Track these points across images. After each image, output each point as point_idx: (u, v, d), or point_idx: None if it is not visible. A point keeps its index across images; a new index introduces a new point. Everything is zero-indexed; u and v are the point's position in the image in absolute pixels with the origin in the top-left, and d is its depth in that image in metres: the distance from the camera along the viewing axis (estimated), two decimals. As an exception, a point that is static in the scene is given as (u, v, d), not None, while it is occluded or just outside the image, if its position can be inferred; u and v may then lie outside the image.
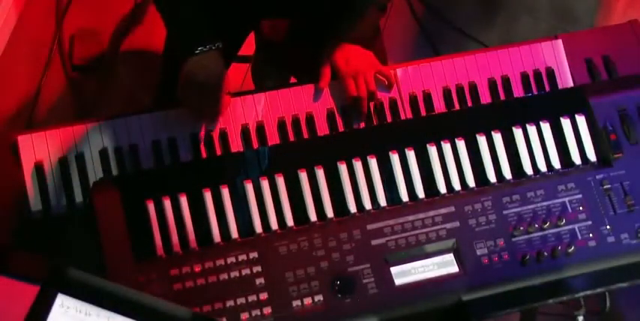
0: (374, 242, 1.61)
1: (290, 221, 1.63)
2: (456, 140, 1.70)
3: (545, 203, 1.66)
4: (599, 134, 1.72)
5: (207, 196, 1.63)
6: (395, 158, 1.68)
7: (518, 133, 1.72)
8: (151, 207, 1.61)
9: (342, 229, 1.62)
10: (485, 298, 1.60)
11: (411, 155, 1.69)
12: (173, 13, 1.74)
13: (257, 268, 1.57)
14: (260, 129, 1.81)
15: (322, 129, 1.83)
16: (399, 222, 1.63)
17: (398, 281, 1.59)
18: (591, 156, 1.72)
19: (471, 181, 1.69)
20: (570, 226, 1.65)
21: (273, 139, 1.81)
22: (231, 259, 1.58)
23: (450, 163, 1.69)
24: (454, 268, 1.61)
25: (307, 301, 1.56)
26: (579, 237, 1.65)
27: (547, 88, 1.88)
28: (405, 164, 1.69)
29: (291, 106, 1.83)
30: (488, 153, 1.71)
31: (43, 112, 2.59)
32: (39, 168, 1.73)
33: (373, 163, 1.68)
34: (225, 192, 1.63)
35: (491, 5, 3.12)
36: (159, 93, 2.15)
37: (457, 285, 1.60)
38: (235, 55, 2.13)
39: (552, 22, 3.07)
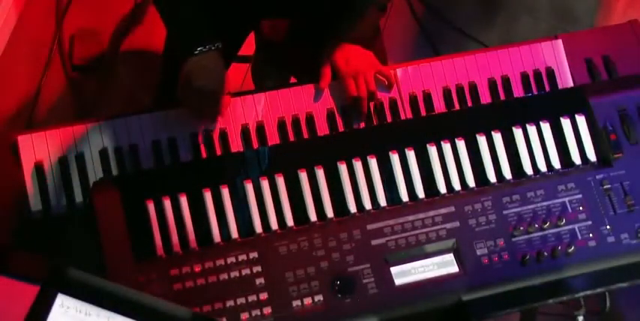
0: (374, 242, 1.61)
1: (290, 221, 1.63)
2: (456, 140, 1.70)
3: (545, 203, 1.66)
4: (599, 134, 1.72)
5: (207, 196, 1.63)
6: (395, 158, 1.68)
7: (518, 133, 1.72)
8: (151, 207, 1.61)
9: (342, 229, 1.61)
10: (485, 298, 1.60)
11: (411, 155, 1.69)
12: (173, 14, 1.74)
13: (257, 268, 1.57)
14: (260, 129, 1.81)
15: (322, 129, 1.83)
16: (399, 222, 1.63)
17: (398, 281, 1.59)
18: (591, 156, 1.72)
19: (471, 181, 1.69)
20: (570, 226, 1.65)
21: (273, 139, 1.81)
22: (231, 259, 1.58)
23: (450, 163, 1.69)
24: (454, 268, 1.61)
25: (307, 301, 1.56)
26: (579, 237, 1.65)
27: (547, 88, 1.88)
28: (405, 164, 1.69)
29: (291, 106, 1.83)
30: (488, 153, 1.71)
31: (43, 112, 2.59)
32: (39, 168, 1.73)
33: (373, 163, 1.68)
34: (225, 192, 1.63)
35: (491, 5, 3.12)
36: (159, 93, 2.15)
37: (457, 285, 1.60)
38: (235, 55, 2.13)
39: (552, 22, 3.07)
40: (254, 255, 1.58)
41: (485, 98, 1.87)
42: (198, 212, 1.62)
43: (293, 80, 2.23)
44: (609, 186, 1.68)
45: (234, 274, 1.57)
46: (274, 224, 1.63)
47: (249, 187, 1.64)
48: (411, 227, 1.63)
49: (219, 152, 1.78)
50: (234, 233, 1.62)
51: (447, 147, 1.70)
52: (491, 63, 1.89)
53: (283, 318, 1.55)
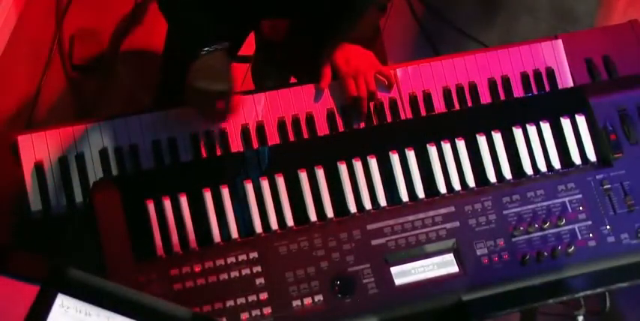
0: (374, 242, 1.61)
1: (290, 221, 1.63)
2: (456, 140, 1.70)
3: (545, 203, 1.66)
4: (599, 134, 1.72)
5: (207, 196, 1.63)
6: (395, 158, 1.68)
7: (518, 133, 1.72)
8: (151, 207, 1.61)
9: (342, 229, 1.62)
10: (485, 298, 1.60)
11: (411, 155, 1.69)
12: (177, 15, 1.74)
13: (257, 268, 1.57)
14: (260, 129, 1.81)
15: (322, 129, 1.83)
16: (399, 222, 1.63)
17: (398, 281, 1.59)
18: (591, 156, 1.72)
19: (471, 181, 1.69)
20: (570, 226, 1.65)
21: (273, 139, 1.81)
22: (231, 259, 1.58)
23: (450, 163, 1.69)
24: (454, 268, 1.61)
25: (307, 301, 1.56)
26: (579, 237, 1.65)
27: (547, 88, 1.88)
28: (405, 164, 1.69)
29: (291, 106, 1.83)
30: (488, 153, 1.71)
31: (43, 112, 2.58)
32: (39, 168, 1.73)
33: (373, 163, 1.68)
34: (225, 192, 1.63)
35: (491, 5, 3.12)
36: (159, 93, 2.15)
37: (457, 285, 1.60)
38: (235, 55, 2.13)
39: (552, 22, 3.07)
40: (254, 255, 1.58)
41: (485, 98, 1.87)
42: (198, 212, 1.62)
43: (293, 80, 2.23)
44: (609, 186, 1.68)
45: (234, 274, 1.57)
46: (274, 224, 1.63)
47: (249, 187, 1.64)
48: (411, 227, 1.63)
49: (219, 152, 1.78)
50: (234, 233, 1.62)
51: (447, 147, 1.70)
52: (491, 63, 1.89)
53: (283, 318, 1.55)
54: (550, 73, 1.89)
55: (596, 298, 1.75)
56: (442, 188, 1.68)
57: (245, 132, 1.80)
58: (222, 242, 1.61)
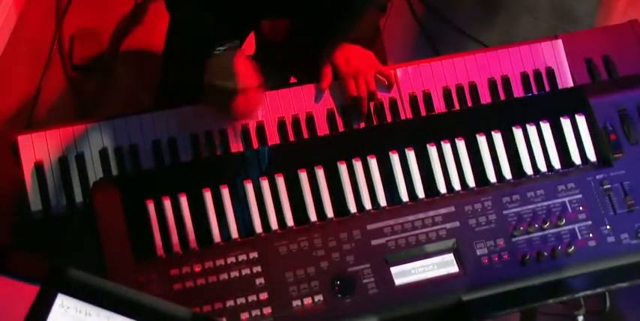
0: (374, 242, 1.61)
1: (290, 221, 1.63)
2: (456, 140, 1.70)
3: (545, 203, 1.66)
4: (599, 134, 1.72)
5: (207, 196, 1.63)
6: (395, 158, 1.68)
7: (518, 133, 1.72)
8: (151, 207, 1.61)
9: (342, 229, 1.61)
10: (485, 298, 1.60)
11: (411, 155, 1.69)
12: (185, 15, 1.74)
13: (257, 268, 1.57)
14: (260, 129, 1.81)
15: (322, 129, 1.83)
16: (399, 222, 1.63)
17: (398, 281, 1.59)
18: (591, 156, 1.72)
19: (471, 181, 1.69)
20: (570, 226, 1.65)
21: (273, 139, 1.81)
22: (231, 259, 1.58)
23: (450, 163, 1.69)
24: (454, 268, 1.61)
25: (307, 301, 1.56)
26: (579, 237, 1.65)
27: (547, 88, 1.88)
28: (405, 164, 1.69)
29: (291, 106, 1.83)
30: (488, 153, 1.71)
31: (43, 112, 2.58)
32: (39, 168, 1.73)
33: (373, 163, 1.68)
34: (225, 192, 1.63)
35: (491, 5, 3.11)
36: (159, 93, 2.15)
37: (457, 285, 1.60)
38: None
39: (552, 22, 3.07)
40: (254, 255, 1.58)
41: (485, 98, 1.87)
42: (198, 212, 1.62)
43: (293, 80, 2.22)
44: (609, 186, 1.68)
45: (234, 274, 1.57)
46: (274, 224, 1.63)
47: (249, 187, 1.64)
48: (411, 227, 1.63)
49: (219, 152, 1.78)
50: (234, 233, 1.62)
51: (447, 147, 1.70)
52: (491, 63, 1.89)
53: (283, 318, 1.55)
54: (550, 73, 1.89)
55: (596, 298, 1.75)
56: (442, 188, 1.68)
57: (245, 132, 1.80)
58: (222, 242, 1.61)
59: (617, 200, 1.67)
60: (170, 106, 1.81)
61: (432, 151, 1.69)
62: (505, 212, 1.65)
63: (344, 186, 1.66)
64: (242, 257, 1.58)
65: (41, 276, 1.19)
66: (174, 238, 1.60)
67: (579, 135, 1.72)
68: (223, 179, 1.64)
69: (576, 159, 1.72)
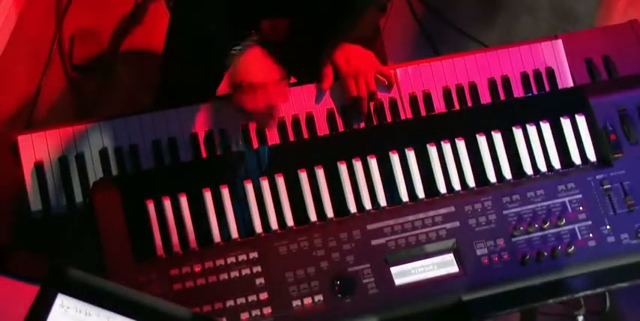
0: (374, 242, 1.61)
1: (290, 221, 1.63)
2: (456, 140, 1.70)
3: (545, 203, 1.66)
4: (599, 134, 1.72)
5: (207, 196, 1.63)
6: (395, 158, 1.68)
7: (518, 133, 1.72)
8: (151, 207, 1.61)
9: (342, 229, 1.61)
10: (485, 298, 1.60)
11: (411, 155, 1.69)
12: (187, 16, 1.75)
13: (257, 268, 1.57)
14: (260, 129, 1.81)
15: (322, 129, 1.83)
16: (399, 222, 1.63)
17: (398, 281, 1.59)
18: (591, 156, 1.72)
19: (471, 181, 1.69)
20: (570, 226, 1.65)
21: (273, 139, 1.81)
22: (231, 259, 1.58)
23: (450, 163, 1.69)
24: (454, 268, 1.61)
25: (307, 301, 1.56)
26: (579, 237, 1.65)
27: (547, 88, 1.88)
28: (405, 164, 1.69)
29: (291, 106, 1.83)
30: (488, 153, 1.71)
31: (43, 112, 2.58)
32: (39, 168, 1.73)
33: (373, 163, 1.68)
34: (225, 192, 1.63)
35: (491, 5, 3.11)
36: (159, 93, 2.15)
37: (457, 285, 1.60)
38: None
39: (552, 22, 3.07)
40: (254, 255, 1.58)
41: (485, 98, 1.87)
42: (198, 212, 1.62)
43: (293, 80, 2.22)
44: (609, 186, 1.68)
45: (234, 274, 1.57)
46: (274, 224, 1.63)
47: (249, 187, 1.64)
48: (411, 227, 1.63)
49: (219, 152, 1.78)
50: (234, 233, 1.62)
51: (447, 147, 1.70)
52: (491, 63, 1.89)
53: (283, 318, 1.55)
54: (550, 73, 1.89)
55: (596, 298, 1.75)
56: (442, 188, 1.68)
57: (245, 132, 1.80)
58: (222, 242, 1.61)
59: (617, 200, 1.67)
60: (170, 106, 1.81)
61: (432, 151, 1.69)
62: (505, 212, 1.65)
63: (344, 186, 1.66)
64: (242, 257, 1.58)
65: (41, 276, 1.19)
66: (174, 238, 1.60)
67: (579, 135, 1.72)
68: (223, 179, 1.64)
69: (576, 159, 1.72)
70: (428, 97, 1.86)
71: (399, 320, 1.58)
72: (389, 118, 1.84)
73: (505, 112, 1.77)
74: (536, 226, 1.64)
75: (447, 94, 1.86)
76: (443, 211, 1.64)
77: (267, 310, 1.55)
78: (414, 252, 1.62)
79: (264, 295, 1.56)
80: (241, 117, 1.79)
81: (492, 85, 1.88)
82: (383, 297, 1.58)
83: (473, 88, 1.87)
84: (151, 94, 2.27)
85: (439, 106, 1.86)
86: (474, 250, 1.62)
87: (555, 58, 1.91)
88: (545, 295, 1.62)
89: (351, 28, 1.87)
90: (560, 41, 1.92)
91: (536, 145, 1.72)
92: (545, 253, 1.62)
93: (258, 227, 1.62)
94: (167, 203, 1.61)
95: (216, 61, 1.91)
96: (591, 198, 1.67)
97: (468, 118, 1.77)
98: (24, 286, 1.17)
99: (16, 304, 1.16)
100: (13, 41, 2.58)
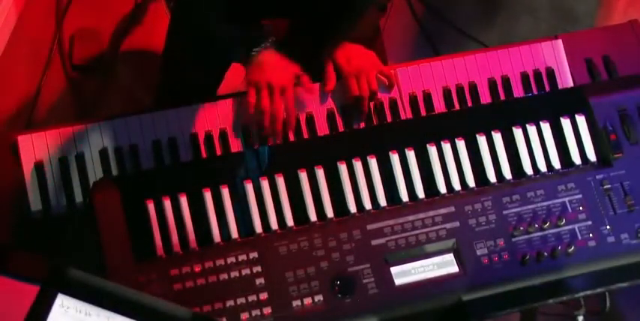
0: (374, 242, 1.61)
1: (290, 221, 1.63)
2: (456, 140, 1.70)
3: (545, 203, 1.66)
4: (599, 134, 1.72)
5: (207, 196, 1.63)
6: (395, 158, 1.68)
7: (518, 133, 1.72)
8: (151, 207, 1.61)
9: (342, 229, 1.61)
10: (485, 298, 1.60)
11: (411, 155, 1.69)
12: (188, 16, 1.75)
13: (257, 268, 1.57)
14: (260, 129, 1.81)
15: (322, 129, 1.83)
16: (399, 222, 1.63)
17: (398, 281, 1.59)
18: (591, 156, 1.71)
19: (471, 181, 1.69)
20: (570, 226, 1.65)
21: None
22: (231, 259, 1.58)
23: (450, 163, 1.69)
24: (454, 268, 1.61)
25: (307, 301, 1.56)
26: (579, 237, 1.65)
27: (547, 88, 1.88)
28: (405, 164, 1.69)
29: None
30: (488, 153, 1.71)
31: (43, 112, 2.58)
32: (39, 168, 1.73)
33: (373, 163, 1.68)
34: (225, 192, 1.63)
35: (491, 5, 3.11)
36: (159, 93, 2.16)
37: (457, 285, 1.60)
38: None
39: (552, 22, 3.07)
40: (254, 255, 1.58)
41: (485, 98, 1.87)
42: (198, 212, 1.62)
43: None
44: (609, 186, 1.68)
45: (234, 274, 1.57)
46: (274, 224, 1.63)
47: (249, 187, 1.64)
48: (411, 227, 1.63)
49: (219, 152, 1.78)
50: (234, 233, 1.62)
51: (447, 147, 1.70)
52: (491, 63, 1.89)
53: (283, 318, 1.55)
54: (550, 73, 1.89)
55: (596, 298, 1.75)
56: (442, 188, 1.68)
57: (245, 132, 1.80)
58: (222, 242, 1.61)
59: (617, 200, 1.67)
60: (170, 106, 1.81)
61: (432, 151, 1.69)
62: (505, 212, 1.65)
63: (344, 186, 1.66)
64: (242, 257, 1.58)
65: (41, 276, 1.19)
66: (174, 238, 1.60)
67: (579, 135, 1.72)
68: (223, 179, 1.64)
69: (576, 159, 1.72)
70: (428, 97, 1.86)
71: (399, 320, 1.58)
72: (389, 118, 1.84)
73: (505, 112, 1.77)
74: (536, 226, 1.64)
75: (447, 94, 1.86)
76: (443, 211, 1.64)
77: (267, 310, 1.55)
78: (414, 252, 1.62)
79: (264, 295, 1.56)
80: (244, 118, 1.78)
81: (492, 85, 1.88)
82: (383, 297, 1.58)
83: (473, 88, 1.87)
84: (151, 94, 2.27)
85: (439, 106, 1.86)
86: (474, 250, 1.62)
87: (555, 58, 1.91)
88: (545, 295, 1.62)
89: (351, 28, 1.87)
90: (560, 41, 1.92)
91: (536, 145, 1.72)
92: (545, 253, 1.62)
93: (258, 227, 1.62)
94: (167, 203, 1.61)
95: (217, 61, 1.92)
96: (591, 198, 1.67)
97: (468, 118, 1.77)
98: (24, 286, 1.17)
99: (16, 304, 1.16)
100: (13, 41, 2.58)
